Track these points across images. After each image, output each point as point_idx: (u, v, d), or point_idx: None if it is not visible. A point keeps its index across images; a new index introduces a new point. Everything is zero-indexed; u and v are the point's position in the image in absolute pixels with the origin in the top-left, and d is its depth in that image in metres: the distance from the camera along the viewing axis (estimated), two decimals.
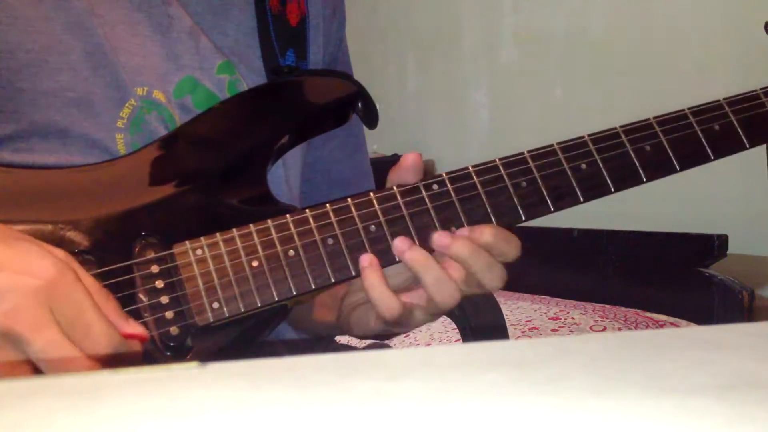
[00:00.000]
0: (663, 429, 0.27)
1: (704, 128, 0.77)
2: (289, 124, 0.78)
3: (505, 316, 1.16)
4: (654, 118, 0.77)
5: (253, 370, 0.36)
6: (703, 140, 0.77)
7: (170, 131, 0.76)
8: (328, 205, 0.71)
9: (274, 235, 0.69)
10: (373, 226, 0.71)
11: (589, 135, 0.75)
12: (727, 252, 1.72)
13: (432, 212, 0.72)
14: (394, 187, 0.72)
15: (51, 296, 0.57)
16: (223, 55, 0.81)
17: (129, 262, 0.67)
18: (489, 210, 0.72)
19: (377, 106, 0.82)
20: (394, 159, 1.01)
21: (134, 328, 0.62)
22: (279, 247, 0.69)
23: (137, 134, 0.76)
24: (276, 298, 0.68)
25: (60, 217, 0.68)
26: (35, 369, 0.57)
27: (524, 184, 0.73)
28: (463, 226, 0.72)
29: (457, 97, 2.67)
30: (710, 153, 0.77)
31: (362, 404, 0.30)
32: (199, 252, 0.68)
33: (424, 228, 0.71)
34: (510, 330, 1.44)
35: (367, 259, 0.69)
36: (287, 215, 0.70)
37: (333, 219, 0.70)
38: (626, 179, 0.75)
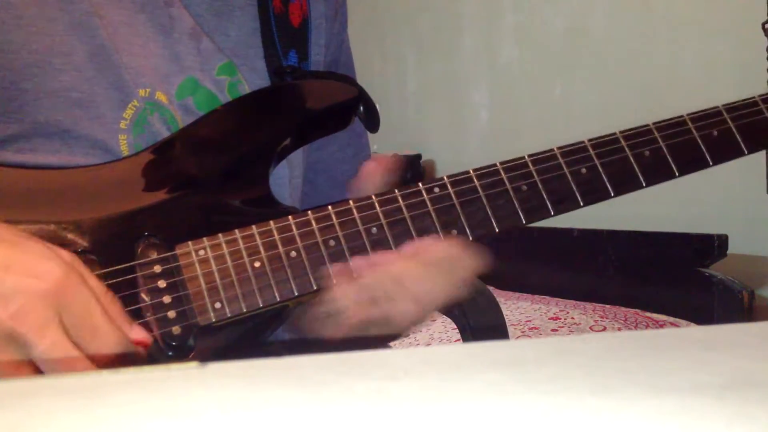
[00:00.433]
0: (663, 429, 0.27)
1: (703, 134, 0.78)
2: (290, 127, 0.79)
3: (505, 316, 1.16)
4: (653, 123, 0.77)
5: (253, 370, 0.36)
6: (702, 146, 0.78)
7: (173, 133, 0.76)
8: (330, 207, 0.71)
9: (277, 236, 0.70)
10: (374, 228, 0.71)
11: (588, 140, 0.76)
12: (727, 252, 1.72)
13: (433, 215, 0.72)
14: (396, 190, 0.73)
15: (57, 299, 0.57)
16: (224, 56, 0.81)
17: (132, 263, 0.68)
18: (489, 213, 0.73)
19: (377, 108, 0.82)
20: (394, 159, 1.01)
21: (138, 333, 0.62)
22: (281, 248, 0.69)
23: (140, 135, 0.76)
24: (278, 299, 0.69)
25: (63, 217, 0.68)
26: (38, 370, 0.57)
27: (525, 188, 0.74)
28: (464, 228, 0.72)
29: (457, 97, 2.67)
30: (709, 159, 0.78)
31: (362, 404, 0.30)
32: (201, 252, 0.69)
33: (425, 230, 0.72)
34: (510, 330, 1.44)
35: (336, 268, 0.69)
36: (289, 216, 0.71)
37: (335, 221, 0.71)
38: (626, 184, 0.76)
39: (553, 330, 1.74)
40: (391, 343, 0.95)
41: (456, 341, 1.63)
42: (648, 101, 2.05)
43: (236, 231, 0.69)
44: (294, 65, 0.86)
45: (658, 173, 0.77)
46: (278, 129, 0.78)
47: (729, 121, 0.79)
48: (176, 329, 0.67)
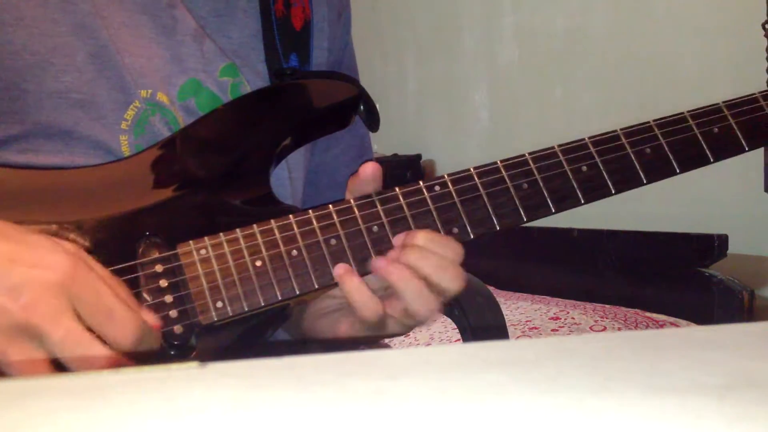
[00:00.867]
0: (663, 429, 0.27)
1: (704, 131, 0.78)
2: (291, 126, 0.79)
3: (505, 316, 1.16)
4: (654, 120, 0.77)
5: (253, 370, 0.36)
6: (703, 143, 0.78)
7: (173, 133, 0.77)
8: (331, 205, 0.71)
9: (278, 235, 0.70)
10: (375, 226, 0.71)
11: (589, 137, 0.76)
12: (727, 252, 1.72)
13: (434, 213, 0.72)
14: (396, 188, 0.73)
15: (67, 287, 0.57)
16: (226, 57, 0.82)
17: (133, 262, 0.68)
18: (490, 211, 0.73)
19: (377, 108, 0.82)
20: (395, 159, 1.01)
21: (146, 315, 0.62)
22: (282, 247, 0.69)
23: (141, 136, 0.76)
24: (279, 298, 0.69)
25: (64, 217, 0.68)
26: (55, 367, 0.57)
27: (525, 185, 0.74)
28: (465, 227, 0.72)
29: (457, 97, 2.67)
30: (710, 156, 0.78)
31: (362, 404, 0.30)
32: (202, 252, 0.69)
33: (426, 229, 0.71)
34: (510, 330, 1.44)
35: (342, 268, 0.69)
36: (290, 216, 0.71)
37: (336, 219, 0.71)
38: (627, 181, 0.76)
39: (553, 330, 1.74)
40: (392, 344, 0.95)
41: (456, 341, 1.63)
42: (648, 101, 2.05)
43: (237, 230, 0.70)
44: (295, 67, 0.86)
45: (659, 170, 0.77)
46: (278, 128, 0.78)
47: (729, 117, 0.79)
48: (178, 328, 0.67)
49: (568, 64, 2.32)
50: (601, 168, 0.75)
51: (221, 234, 0.69)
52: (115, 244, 0.68)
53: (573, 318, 1.79)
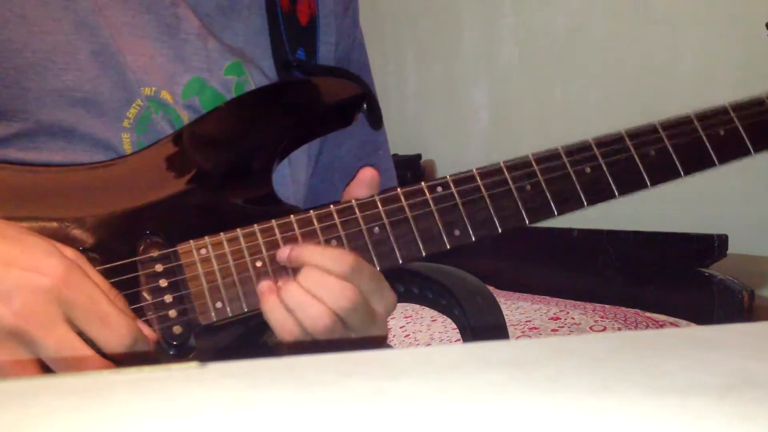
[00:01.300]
0: (663, 429, 0.27)
1: (709, 133, 0.77)
2: (293, 124, 0.79)
3: (505, 316, 1.16)
4: (659, 122, 0.76)
5: (253, 370, 0.36)
6: (708, 146, 0.76)
7: (175, 130, 0.76)
8: (332, 205, 0.71)
9: (278, 235, 0.70)
10: (376, 228, 0.71)
11: (593, 139, 0.75)
12: (727, 252, 1.72)
13: (436, 215, 0.72)
14: (398, 189, 0.72)
15: (60, 293, 0.57)
16: (232, 55, 0.81)
17: (133, 259, 0.68)
18: (492, 213, 0.72)
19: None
20: (395, 159, 1.00)
21: (143, 328, 0.62)
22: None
23: (143, 134, 0.76)
24: None
25: (65, 214, 0.68)
26: (44, 368, 0.57)
27: (528, 187, 0.73)
28: (467, 229, 0.72)
29: (457, 97, 2.67)
30: (715, 159, 0.76)
31: (362, 404, 0.30)
32: (203, 251, 0.69)
33: (428, 230, 0.71)
34: (510, 330, 1.43)
35: (264, 286, 0.67)
36: (291, 216, 0.70)
37: (337, 220, 0.71)
38: (630, 184, 0.75)
39: (553, 330, 1.74)
40: (391, 344, 0.95)
41: (456, 341, 1.63)
42: (648, 101, 2.05)
43: (238, 230, 0.69)
44: (301, 59, 0.86)
45: (663, 173, 0.76)
46: (281, 126, 0.78)
47: (736, 120, 0.78)
48: (177, 329, 0.67)
49: (568, 64, 2.32)
50: (605, 170, 0.74)
51: (222, 233, 0.69)
52: (116, 242, 0.68)
53: (573, 318, 1.79)
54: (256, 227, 0.70)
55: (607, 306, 1.87)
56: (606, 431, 0.27)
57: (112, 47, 0.75)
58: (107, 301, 0.59)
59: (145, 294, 0.67)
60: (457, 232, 0.72)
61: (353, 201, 0.71)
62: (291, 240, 0.70)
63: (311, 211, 0.71)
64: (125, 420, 0.29)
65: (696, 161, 0.76)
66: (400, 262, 0.71)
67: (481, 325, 1.07)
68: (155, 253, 0.68)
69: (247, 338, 0.71)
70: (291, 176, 0.85)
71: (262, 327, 0.73)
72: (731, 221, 1.85)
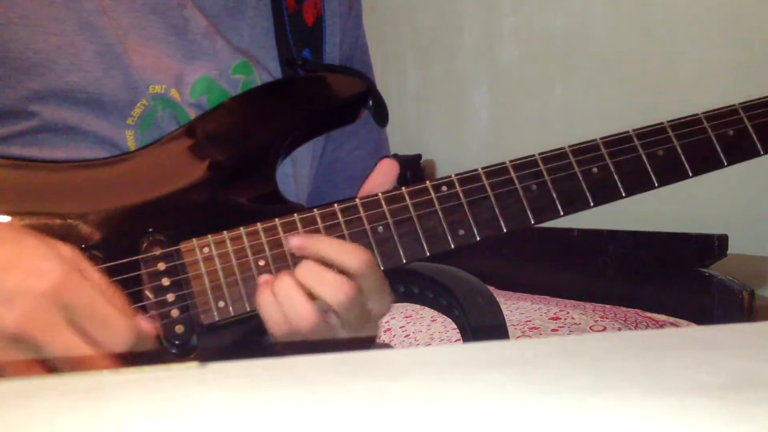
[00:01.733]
0: (663, 429, 0.27)
1: (718, 134, 0.76)
2: (298, 120, 0.78)
3: (505, 316, 1.16)
4: (668, 122, 0.76)
5: (253, 370, 0.36)
6: (717, 146, 0.75)
7: (179, 127, 0.76)
8: (336, 204, 0.71)
9: (281, 234, 0.69)
10: (380, 227, 0.70)
11: (601, 138, 0.74)
12: (727, 252, 1.72)
13: (440, 214, 0.71)
14: (403, 188, 0.72)
15: (61, 296, 0.57)
16: (239, 55, 0.81)
17: (135, 257, 0.68)
18: (498, 213, 0.72)
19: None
20: (395, 159, 1.00)
21: (141, 321, 0.62)
22: (286, 247, 0.69)
23: (147, 131, 0.76)
24: None
25: (68, 211, 0.68)
26: (50, 368, 0.57)
27: (534, 187, 0.73)
28: (471, 228, 0.71)
29: (457, 97, 2.67)
30: (724, 159, 0.76)
31: (362, 404, 0.30)
32: (206, 250, 0.68)
33: (432, 230, 0.71)
34: (510, 330, 1.43)
35: (262, 278, 0.67)
36: (295, 214, 0.70)
37: (341, 219, 0.70)
38: (638, 184, 0.74)
39: (553, 330, 1.74)
40: (391, 344, 0.95)
41: (456, 341, 1.63)
42: (648, 101, 2.05)
43: (241, 228, 0.69)
44: (306, 58, 0.85)
45: (671, 174, 0.75)
46: (285, 123, 0.78)
47: (746, 120, 0.77)
48: (179, 328, 0.67)
49: (568, 64, 2.32)
50: (612, 170, 0.73)
51: (224, 232, 0.69)
52: (118, 240, 0.68)
53: (573, 318, 1.79)
54: (259, 226, 0.69)
55: (607, 306, 1.87)
56: (606, 431, 0.27)
57: (118, 48, 0.75)
58: (106, 301, 0.59)
59: (147, 292, 0.67)
60: (461, 232, 0.71)
61: (357, 200, 0.71)
62: None
63: (315, 209, 0.70)
64: (125, 420, 0.29)
65: (705, 162, 0.76)
66: (404, 261, 0.70)
67: (481, 325, 1.07)
68: (158, 252, 0.68)
69: (249, 338, 0.71)
70: (293, 174, 0.85)
71: (263, 327, 0.72)
72: (731, 221, 1.85)
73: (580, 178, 0.73)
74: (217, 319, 0.67)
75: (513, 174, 0.72)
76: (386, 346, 0.94)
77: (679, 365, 0.35)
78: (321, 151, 0.91)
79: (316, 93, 0.81)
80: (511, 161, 0.73)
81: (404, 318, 1.93)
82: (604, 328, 1.74)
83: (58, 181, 0.70)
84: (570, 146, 0.74)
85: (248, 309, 0.68)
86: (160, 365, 0.38)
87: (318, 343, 0.83)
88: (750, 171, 0.85)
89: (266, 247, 0.69)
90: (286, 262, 0.68)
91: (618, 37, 2.19)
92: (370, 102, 0.80)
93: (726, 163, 0.76)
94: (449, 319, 1.25)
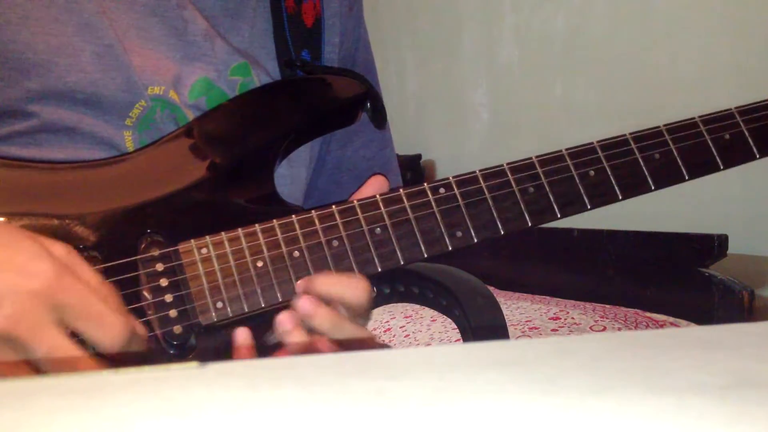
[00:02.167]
0: (663, 429, 0.27)
1: (714, 137, 0.77)
2: (296, 122, 0.79)
3: (505, 316, 1.16)
4: (664, 125, 0.76)
5: (252, 370, 0.36)
6: (713, 150, 0.76)
7: (177, 128, 0.76)
8: (334, 206, 0.71)
9: (279, 235, 0.69)
10: (378, 228, 0.71)
11: (598, 141, 0.75)
12: (727, 252, 1.72)
13: (438, 216, 0.71)
14: (401, 190, 0.72)
15: (51, 297, 0.56)
16: (238, 56, 0.81)
17: (133, 258, 0.68)
18: (495, 215, 0.72)
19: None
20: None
21: (135, 322, 0.62)
22: (284, 248, 0.69)
23: (145, 132, 0.76)
24: (280, 299, 0.68)
25: (65, 211, 0.68)
26: (36, 369, 0.57)
27: (531, 189, 0.73)
28: (469, 231, 0.72)
29: (457, 97, 2.67)
30: (720, 163, 0.76)
31: (362, 404, 0.30)
32: (203, 251, 0.68)
33: (430, 232, 0.71)
34: (510, 330, 1.43)
35: (302, 286, 0.68)
36: (293, 216, 0.70)
37: (338, 221, 0.70)
38: (634, 187, 0.75)
39: (553, 330, 1.74)
40: (391, 344, 0.95)
41: (456, 341, 1.63)
42: (648, 101, 2.05)
43: (239, 229, 0.69)
44: (305, 59, 0.86)
45: (667, 177, 0.75)
46: (283, 124, 0.78)
47: (741, 124, 0.78)
48: (177, 329, 0.67)
49: (568, 64, 2.32)
50: (609, 173, 0.74)
51: (223, 233, 0.69)
52: (116, 240, 0.68)
53: (573, 318, 1.79)
54: (257, 227, 0.70)
55: (607, 306, 1.87)
56: (606, 431, 0.27)
57: (117, 48, 0.75)
58: (99, 300, 0.58)
59: (145, 293, 0.67)
60: (459, 234, 0.72)
61: (355, 201, 0.71)
62: (292, 240, 0.69)
63: (313, 211, 0.71)
64: (125, 420, 0.29)
65: (701, 165, 0.76)
66: (402, 263, 0.71)
67: (482, 325, 1.07)
68: (156, 252, 0.68)
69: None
70: (290, 176, 0.85)
71: (262, 327, 0.72)
72: (731, 221, 1.85)
73: (577, 181, 0.74)
74: (215, 320, 0.67)
75: (510, 176, 0.73)
76: (386, 346, 0.94)
77: (679, 365, 0.35)
78: (319, 152, 0.91)
79: (315, 95, 0.81)
80: (508, 164, 0.74)
81: (404, 318, 1.93)
82: (604, 328, 1.74)
83: (57, 181, 0.70)
84: (567, 149, 0.75)
85: (246, 310, 0.68)
86: (160, 365, 0.38)
87: None
88: (750, 171, 0.85)
89: (264, 249, 0.69)
90: (284, 263, 0.69)
91: (618, 37, 2.19)
92: (368, 104, 0.81)
93: (722, 167, 0.77)
94: (449, 319, 1.25)
